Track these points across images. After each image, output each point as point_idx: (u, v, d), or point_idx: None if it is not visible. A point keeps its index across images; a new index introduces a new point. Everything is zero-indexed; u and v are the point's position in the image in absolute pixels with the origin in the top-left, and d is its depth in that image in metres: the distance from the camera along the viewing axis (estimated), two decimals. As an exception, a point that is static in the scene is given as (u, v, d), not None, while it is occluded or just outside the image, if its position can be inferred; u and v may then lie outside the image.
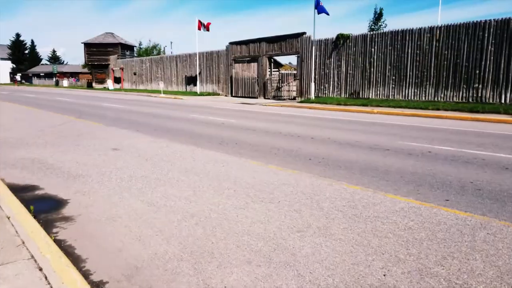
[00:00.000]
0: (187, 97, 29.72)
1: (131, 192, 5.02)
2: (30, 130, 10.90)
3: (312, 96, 22.77)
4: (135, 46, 61.02)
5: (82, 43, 52.37)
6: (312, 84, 22.80)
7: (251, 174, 5.84)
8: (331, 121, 13.34)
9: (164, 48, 72.13)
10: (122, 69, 47.95)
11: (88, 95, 34.65)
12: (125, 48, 53.83)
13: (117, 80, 49.92)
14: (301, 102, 22.37)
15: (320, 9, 20.89)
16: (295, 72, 26.25)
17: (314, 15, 21.87)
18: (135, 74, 45.90)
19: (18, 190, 5.05)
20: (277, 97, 27.21)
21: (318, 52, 23.64)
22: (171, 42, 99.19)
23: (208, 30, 30.81)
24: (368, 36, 21.25)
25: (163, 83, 33.88)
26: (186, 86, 36.92)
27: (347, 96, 22.46)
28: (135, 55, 58.60)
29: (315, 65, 23.35)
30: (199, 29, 31.21)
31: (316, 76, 23.71)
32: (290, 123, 12.68)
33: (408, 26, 23.54)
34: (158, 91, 37.34)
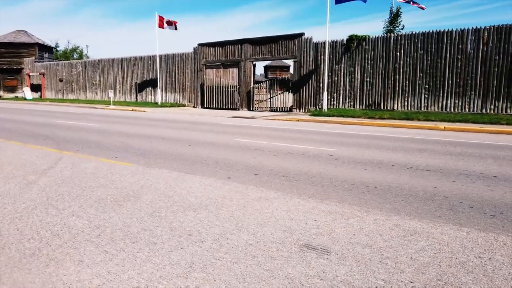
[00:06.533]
0: (149, 109, 24.07)
1: None
2: (7, 186, 5.39)
3: (325, 107, 19.07)
4: (54, 48, 51.79)
5: (-14, 42, 42.27)
6: (325, 94, 19.10)
7: None
8: (424, 142, 9.68)
9: (81, 50, 63.43)
10: (43, 74, 39.41)
11: (8, 107, 26.74)
12: (43, 50, 44.91)
13: (35, 88, 41.04)
14: (313, 115, 18.52)
15: None
16: (288, 78, 22.39)
17: (328, 9, 18.28)
18: (61, 80, 37.94)
19: None
20: (266, 109, 23.04)
21: (322, 57, 20.11)
22: (86, 46, 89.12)
23: (175, 28, 25.49)
24: (392, 38, 18.30)
25: (112, 92, 27.41)
26: (136, 96, 30.76)
27: (364, 107, 19.25)
28: (53, 57, 49.46)
29: (327, 71, 19.69)
30: (160, 26, 25.74)
31: (321, 85, 20.14)
32: (397, 150, 8.73)
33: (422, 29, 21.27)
34: (101, 101, 30.65)
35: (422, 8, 25.80)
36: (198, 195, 5.01)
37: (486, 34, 15.90)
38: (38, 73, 40.07)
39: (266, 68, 75.87)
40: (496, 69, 15.83)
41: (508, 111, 15.70)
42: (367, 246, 3.46)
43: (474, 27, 16.22)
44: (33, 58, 42.09)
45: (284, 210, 4.42)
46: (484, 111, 16.16)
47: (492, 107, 16.03)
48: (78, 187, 5.36)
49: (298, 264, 3.11)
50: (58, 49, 59.89)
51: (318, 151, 8.28)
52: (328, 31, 18.85)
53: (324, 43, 19.89)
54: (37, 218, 4.13)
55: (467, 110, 16.55)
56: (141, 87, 30.27)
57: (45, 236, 3.65)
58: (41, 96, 39.96)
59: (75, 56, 60.20)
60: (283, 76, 65.43)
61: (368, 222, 4.03)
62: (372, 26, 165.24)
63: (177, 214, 4.28)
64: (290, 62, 54.99)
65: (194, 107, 26.58)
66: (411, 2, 23.12)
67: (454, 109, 16.83)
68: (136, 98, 30.67)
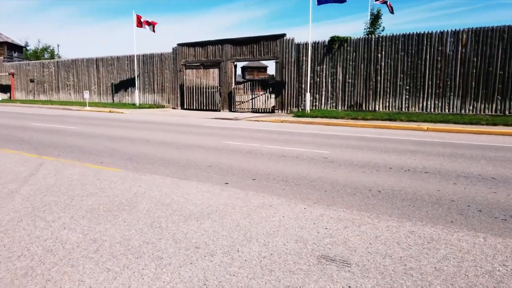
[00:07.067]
0: (127, 110, 23.40)
1: None
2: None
3: (307, 108, 19.04)
4: (24, 47, 49.82)
5: (-50, 40, 40.12)
6: (308, 95, 19.07)
7: None
8: (414, 143, 9.74)
9: (52, 49, 61.32)
10: (12, 74, 37.78)
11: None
12: (12, 49, 43.01)
13: (4, 89, 39.31)
14: (296, 116, 18.45)
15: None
16: (265, 78, 22.25)
17: (310, 11, 18.26)
18: (32, 81, 36.48)
19: None
20: (247, 110, 22.83)
21: (304, 58, 20.09)
22: (58, 45, 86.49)
23: (153, 31, 24.90)
24: (373, 39, 18.44)
25: (88, 93, 26.51)
26: (113, 97, 29.90)
27: (346, 108, 19.33)
28: (23, 57, 47.48)
29: (310, 72, 19.66)
30: (138, 26, 25.10)
31: (304, 85, 20.11)
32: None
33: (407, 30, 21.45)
34: (75, 103, 29.65)
35: (392, 12, 26.17)
36: (197, 202, 4.74)
37: (464, 37, 16.24)
38: (7, 73, 38.38)
39: (244, 68, 75.61)
40: (474, 71, 16.19)
41: (486, 111, 16.09)
42: (387, 256, 3.29)
43: (453, 30, 16.55)
44: (2, 57, 40.28)
45: (291, 217, 4.22)
46: (463, 111, 16.50)
47: (471, 107, 16.39)
48: (66, 195, 4.98)
49: (320, 278, 2.91)
50: (28, 48, 57.73)
51: (311, 154, 8.13)
52: (310, 32, 18.89)
53: (306, 44, 19.86)
54: (25, 232, 3.77)
55: (446, 110, 16.86)
56: (117, 88, 29.44)
57: (36, 252, 3.31)
58: (10, 97, 38.31)
59: (46, 56, 58.14)
60: (261, 76, 65.42)
61: (381, 229, 3.88)
62: (354, 26, 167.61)
63: (178, 224, 4.00)
64: (270, 62, 55.09)
65: (173, 108, 26.06)
66: (387, 3, 23.49)
67: (434, 110, 17.11)
68: (113, 99, 29.81)
